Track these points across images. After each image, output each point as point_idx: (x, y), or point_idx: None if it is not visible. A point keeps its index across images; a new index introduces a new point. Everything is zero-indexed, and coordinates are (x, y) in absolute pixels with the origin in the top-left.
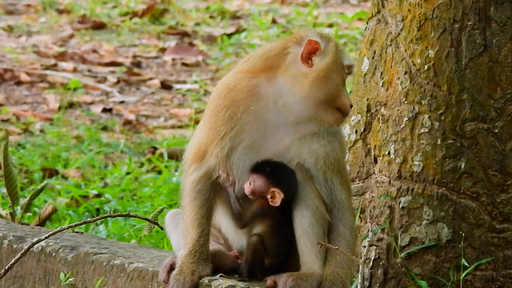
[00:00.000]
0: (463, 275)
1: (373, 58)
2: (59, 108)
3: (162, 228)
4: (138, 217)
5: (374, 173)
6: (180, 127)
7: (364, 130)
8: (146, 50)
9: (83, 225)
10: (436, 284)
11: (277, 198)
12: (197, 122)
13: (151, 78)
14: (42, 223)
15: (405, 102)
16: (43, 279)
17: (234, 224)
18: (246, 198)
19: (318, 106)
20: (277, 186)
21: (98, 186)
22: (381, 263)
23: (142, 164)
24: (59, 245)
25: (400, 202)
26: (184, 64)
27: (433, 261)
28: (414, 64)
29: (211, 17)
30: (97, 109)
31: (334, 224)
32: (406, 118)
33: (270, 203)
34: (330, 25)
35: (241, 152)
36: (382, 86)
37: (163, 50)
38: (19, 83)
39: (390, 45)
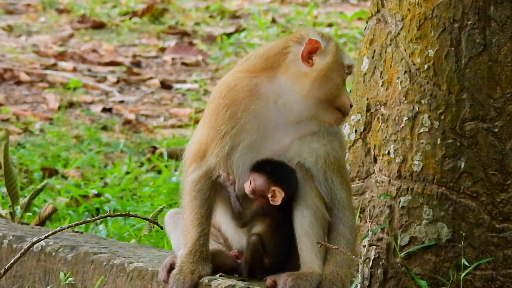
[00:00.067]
0: (463, 274)
1: (372, 57)
2: (59, 107)
3: (161, 228)
4: (138, 217)
5: (374, 172)
6: (180, 126)
7: (364, 129)
8: (146, 49)
9: (83, 225)
10: (436, 284)
11: (277, 197)
12: (197, 121)
13: (151, 78)
14: (42, 223)
15: (405, 101)
16: (43, 278)
17: (234, 223)
18: (247, 197)
19: (318, 105)
20: (278, 185)
21: (98, 186)
22: (381, 262)
23: (142, 164)
24: (59, 244)
25: (400, 202)
26: (183, 63)
27: (433, 261)
28: (413, 64)
29: (210, 16)
30: (97, 108)
31: (334, 223)
32: (405, 118)
33: (271, 202)
34: (330, 25)
35: (242, 152)
36: (381, 85)
37: (162, 49)
38: (19, 82)
39: (390, 44)
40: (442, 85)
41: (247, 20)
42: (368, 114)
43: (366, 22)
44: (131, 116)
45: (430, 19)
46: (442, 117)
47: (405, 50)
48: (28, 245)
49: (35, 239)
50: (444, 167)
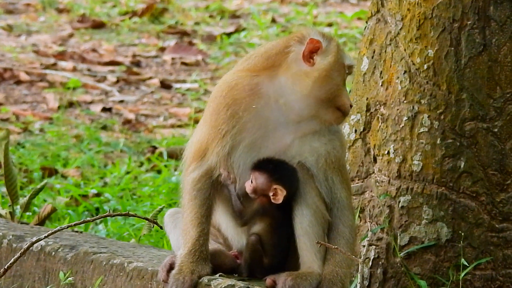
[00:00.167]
0: (462, 274)
1: (372, 57)
2: (59, 107)
3: (161, 228)
4: (138, 217)
5: (373, 172)
6: (179, 126)
7: (364, 129)
8: (145, 49)
9: (83, 225)
10: (436, 284)
11: (279, 195)
12: (196, 121)
13: (150, 78)
14: (41, 223)
15: (405, 101)
16: (42, 278)
17: (235, 222)
18: (247, 196)
19: (318, 105)
20: (280, 183)
21: (98, 186)
22: (380, 262)
23: (141, 164)
24: (59, 244)
25: (399, 202)
26: (183, 63)
27: (432, 261)
28: (413, 64)
29: (210, 16)
30: (96, 108)
31: (333, 223)
32: (405, 118)
33: (272, 201)
34: (330, 24)
35: (242, 151)
36: (381, 85)
37: (162, 49)
38: (18, 82)
39: (390, 44)
40: (441, 85)
41: (247, 20)
42: (368, 114)
43: (366, 22)
44: (131, 116)
45: (430, 19)
46: (442, 117)
47: (405, 50)
48: (27, 244)
49: (34, 239)
50: (443, 167)
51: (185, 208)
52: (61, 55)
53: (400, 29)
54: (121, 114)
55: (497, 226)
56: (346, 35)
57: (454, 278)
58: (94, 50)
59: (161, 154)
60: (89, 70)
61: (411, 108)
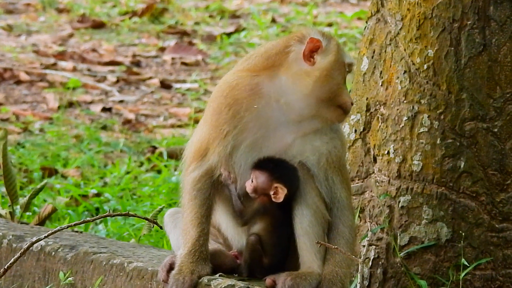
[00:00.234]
0: (462, 274)
1: (372, 57)
2: (59, 107)
3: (161, 228)
4: (138, 217)
5: (373, 172)
6: (179, 126)
7: (364, 129)
8: (145, 49)
9: (83, 225)
10: (436, 284)
11: (280, 194)
12: (196, 121)
13: (150, 77)
14: (41, 223)
15: (405, 101)
16: (42, 278)
17: (235, 222)
18: (248, 196)
19: (320, 104)
20: (280, 182)
21: (98, 186)
22: (380, 262)
23: (141, 164)
24: (59, 244)
25: (399, 202)
26: (183, 63)
27: (432, 261)
28: (413, 63)
29: (210, 16)
30: (96, 108)
31: (333, 223)
32: (405, 118)
33: (273, 199)
34: (330, 24)
35: (244, 150)
36: (381, 85)
37: (162, 49)
38: (18, 82)
39: (390, 44)
40: (441, 85)
41: (247, 20)
42: (368, 114)
43: (366, 22)
44: (131, 116)
45: (430, 19)
46: (442, 117)
47: (404, 50)
48: (27, 244)
49: (34, 239)
50: (443, 167)
51: (185, 208)
52: (61, 55)
53: (400, 29)
54: (121, 114)
55: (497, 226)
56: (346, 35)
57: (454, 278)
58: (94, 50)
59: (161, 154)
60: (89, 70)
61: (411, 108)
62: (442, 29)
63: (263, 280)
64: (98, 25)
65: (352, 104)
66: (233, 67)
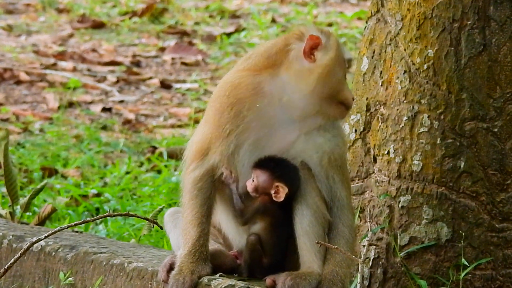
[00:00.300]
0: (462, 274)
1: (372, 57)
2: (59, 107)
3: (161, 228)
4: (138, 217)
5: (373, 172)
6: (179, 126)
7: (364, 129)
8: (145, 49)
9: (83, 225)
10: (436, 284)
11: (281, 193)
12: (196, 121)
13: (150, 78)
14: (41, 223)
15: (405, 101)
16: (42, 278)
17: (235, 221)
18: (249, 195)
19: (322, 100)
20: (282, 181)
21: (98, 186)
22: (380, 262)
23: (141, 164)
24: (59, 244)
25: (399, 202)
26: (183, 63)
27: (432, 261)
28: (413, 63)
29: (210, 16)
30: (96, 108)
31: (333, 222)
32: (405, 117)
33: (274, 199)
34: (330, 24)
35: (246, 149)
36: (381, 85)
37: (162, 49)
38: (18, 82)
39: (390, 44)
40: (441, 85)
41: (247, 20)
42: (368, 114)
43: (366, 22)
44: (131, 116)
45: (430, 19)
46: (442, 117)
47: (404, 50)
48: (27, 244)
49: (34, 239)
50: (443, 167)
51: (185, 208)
52: (61, 55)
53: (400, 29)
54: (121, 114)
55: (497, 226)
56: (346, 35)
57: (454, 278)
58: (94, 50)
59: (161, 154)
60: (89, 70)
61: (411, 108)
62: (442, 29)
63: (263, 280)
64: (98, 25)
65: (353, 99)
66: (233, 67)
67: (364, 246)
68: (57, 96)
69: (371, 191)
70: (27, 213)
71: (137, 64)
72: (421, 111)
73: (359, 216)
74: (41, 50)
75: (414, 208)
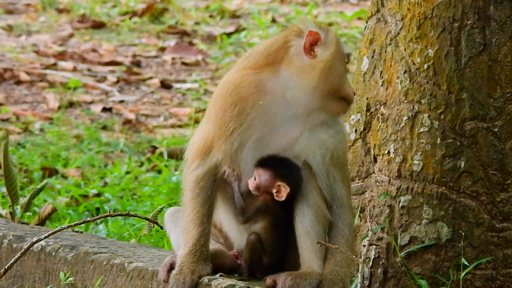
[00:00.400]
0: (463, 274)
1: (372, 57)
2: (59, 107)
3: (161, 228)
4: (138, 217)
5: (373, 172)
6: (180, 126)
7: (364, 129)
8: (145, 49)
9: (83, 225)
10: (436, 283)
11: (282, 192)
12: (197, 121)
13: (150, 77)
14: (42, 223)
15: (405, 101)
16: (42, 278)
17: (236, 219)
18: (251, 193)
19: (324, 96)
20: (284, 181)
21: (98, 186)
22: (381, 262)
23: (142, 164)
24: (59, 244)
25: (399, 201)
26: (183, 63)
27: (433, 260)
28: (413, 63)
29: (210, 16)
30: (96, 108)
31: (333, 221)
32: (405, 117)
33: (276, 198)
34: (330, 24)
35: (250, 147)
36: (381, 85)
37: (162, 49)
38: (18, 82)
39: (390, 44)
40: (442, 84)
41: (247, 20)
42: (368, 113)
43: (366, 21)
44: (131, 116)
45: (430, 19)
46: (442, 116)
47: (405, 49)
48: (28, 244)
49: (35, 239)
50: (444, 166)
51: (187, 207)
52: (61, 55)
53: (400, 28)
54: (121, 114)
55: (497, 225)
56: (346, 35)
57: (455, 278)
58: (94, 50)
59: (161, 154)
60: (89, 70)
61: (411, 108)
62: (442, 29)
63: (263, 280)
64: (98, 25)
65: (354, 94)
66: (233, 67)
67: (364, 246)
68: (57, 96)
69: (372, 191)
70: (27, 213)
71: (137, 64)
72: (421, 111)
73: (359, 216)
74: (41, 50)
75: (414, 208)
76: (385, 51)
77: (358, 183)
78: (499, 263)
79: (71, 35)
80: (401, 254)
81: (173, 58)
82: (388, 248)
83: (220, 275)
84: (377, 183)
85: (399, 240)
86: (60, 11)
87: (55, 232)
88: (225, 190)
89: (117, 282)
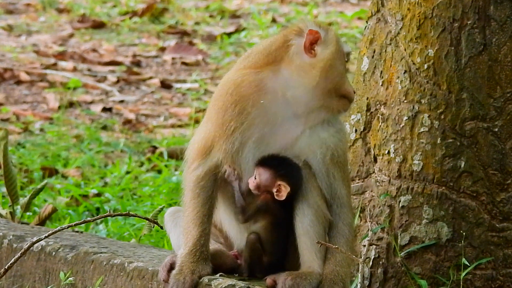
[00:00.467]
0: (463, 274)
1: (372, 57)
2: (59, 107)
3: (162, 227)
4: (138, 217)
5: (374, 172)
6: (180, 126)
7: (364, 129)
8: (146, 49)
9: (83, 225)
10: (436, 283)
11: (283, 192)
12: (197, 121)
13: (151, 77)
14: (42, 223)
15: (405, 101)
16: (43, 278)
17: (236, 219)
18: (251, 193)
19: (325, 95)
20: (284, 180)
21: (98, 185)
22: (381, 262)
23: (142, 163)
24: (59, 244)
25: (400, 201)
26: (184, 63)
27: (433, 260)
28: (413, 63)
29: (210, 16)
30: (97, 108)
31: (333, 221)
32: (405, 117)
33: (276, 197)
34: (330, 24)
35: (251, 146)
36: (381, 85)
37: (163, 49)
38: (19, 82)
39: (390, 44)
40: (442, 84)
41: (247, 20)
42: (368, 113)
43: (366, 21)
44: (131, 116)
45: (430, 19)
46: (442, 116)
47: (405, 49)
48: (28, 244)
49: (35, 239)
50: (444, 166)
51: (187, 207)
52: (61, 55)
53: (400, 28)
54: (122, 114)
55: (497, 225)
56: (346, 35)
57: (455, 278)
58: (94, 50)
59: (161, 154)
60: (89, 70)
61: (411, 107)
62: (443, 28)
63: (263, 280)
64: (98, 25)
65: (354, 92)
66: (233, 67)
67: (364, 246)
68: (58, 96)
69: (372, 191)
70: (28, 213)
71: (138, 64)
72: (422, 111)
73: (359, 216)
74: (41, 50)
75: (414, 207)
76: (385, 51)
77: (358, 183)
78: (499, 263)
79: (71, 35)
80: (401, 254)
81: (173, 58)
82: (388, 248)
83: (220, 275)
84: (377, 183)
85: (399, 240)
86: (60, 11)
87: (55, 232)
88: (225, 189)
89: (117, 282)
